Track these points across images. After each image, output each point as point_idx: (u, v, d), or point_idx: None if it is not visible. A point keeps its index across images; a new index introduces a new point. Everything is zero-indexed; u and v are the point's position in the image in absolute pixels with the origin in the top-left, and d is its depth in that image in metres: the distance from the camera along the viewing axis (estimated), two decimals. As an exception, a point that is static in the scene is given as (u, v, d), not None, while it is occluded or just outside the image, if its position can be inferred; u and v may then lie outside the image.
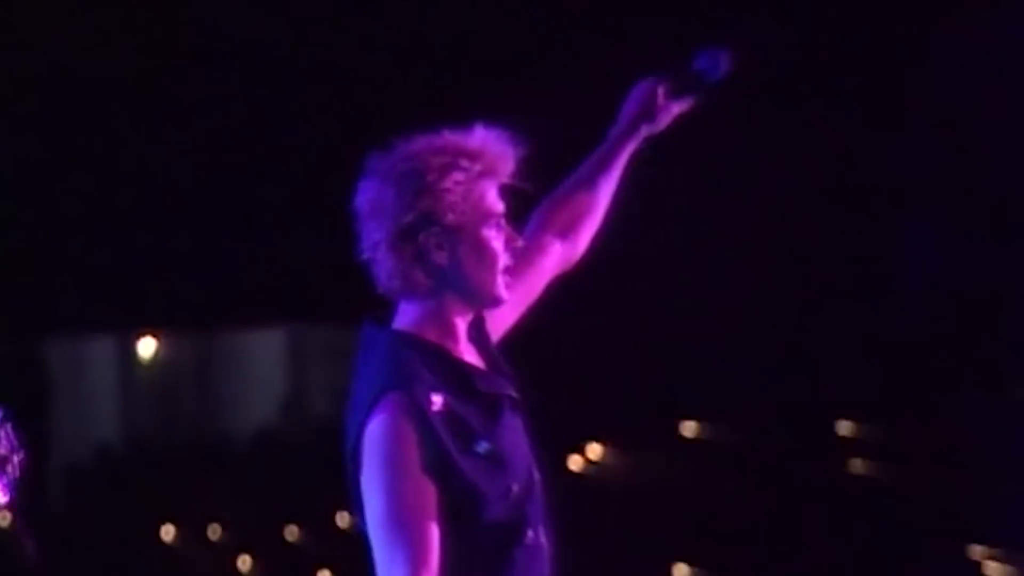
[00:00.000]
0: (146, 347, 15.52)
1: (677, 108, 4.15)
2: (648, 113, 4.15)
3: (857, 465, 12.38)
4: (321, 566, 12.58)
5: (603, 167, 4.12)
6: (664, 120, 4.16)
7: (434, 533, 3.43)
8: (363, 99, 13.78)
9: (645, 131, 4.16)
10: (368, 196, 3.60)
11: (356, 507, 3.60)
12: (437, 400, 3.48)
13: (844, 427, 12.69)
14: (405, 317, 3.60)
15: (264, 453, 14.41)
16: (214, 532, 13.26)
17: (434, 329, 3.59)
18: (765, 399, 12.47)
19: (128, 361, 15.63)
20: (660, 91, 4.11)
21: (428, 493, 3.45)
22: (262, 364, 15.69)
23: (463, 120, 3.78)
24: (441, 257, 3.56)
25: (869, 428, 12.64)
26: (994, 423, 12.01)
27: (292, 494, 13.18)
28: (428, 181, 3.56)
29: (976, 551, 10.95)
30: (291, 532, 13.25)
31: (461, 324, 3.63)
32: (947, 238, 12.75)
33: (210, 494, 13.58)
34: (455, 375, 3.56)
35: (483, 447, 3.56)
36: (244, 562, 13.13)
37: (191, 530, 13.35)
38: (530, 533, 3.62)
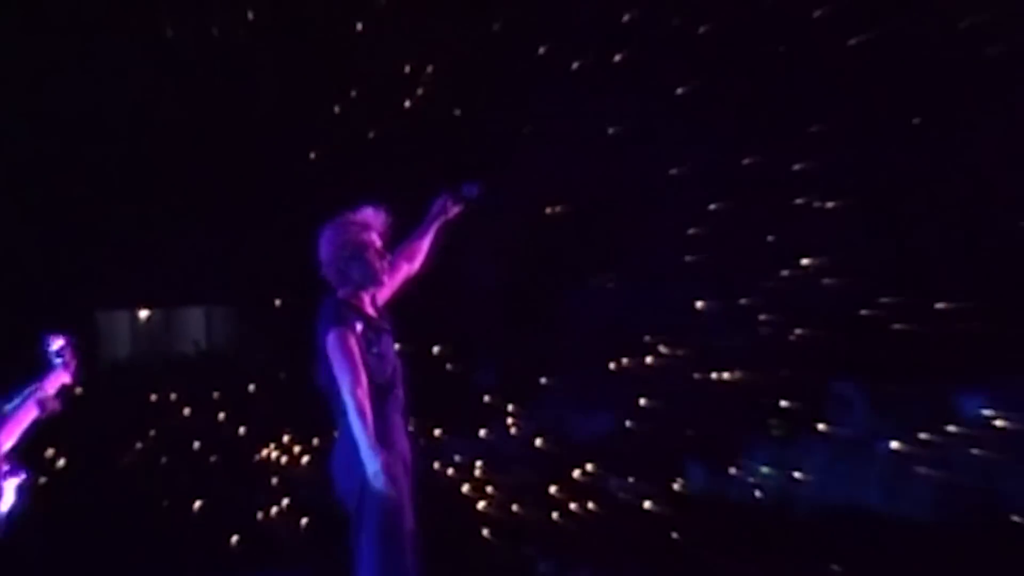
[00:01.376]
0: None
1: (456, 209, 8.77)
2: (442, 211, 8.81)
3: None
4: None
5: (422, 235, 8.80)
6: (451, 214, 8.80)
7: (363, 376, 7.98)
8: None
9: (441, 220, 8.81)
10: (325, 243, 8.31)
11: (319, 374, 8.21)
12: (358, 328, 8.09)
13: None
14: (341, 294, 8.27)
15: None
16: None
17: (354, 298, 8.28)
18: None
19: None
20: (449, 201, 8.77)
21: (359, 364, 8.01)
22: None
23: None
24: (355, 268, 8.26)
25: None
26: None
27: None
28: (349, 238, 8.28)
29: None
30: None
31: (366, 296, 8.34)
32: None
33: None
34: (364, 318, 8.25)
35: (375, 350, 8.21)
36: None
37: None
38: (397, 391, 8.35)
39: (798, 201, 15.89)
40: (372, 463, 8.10)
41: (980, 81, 16.60)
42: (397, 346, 8.66)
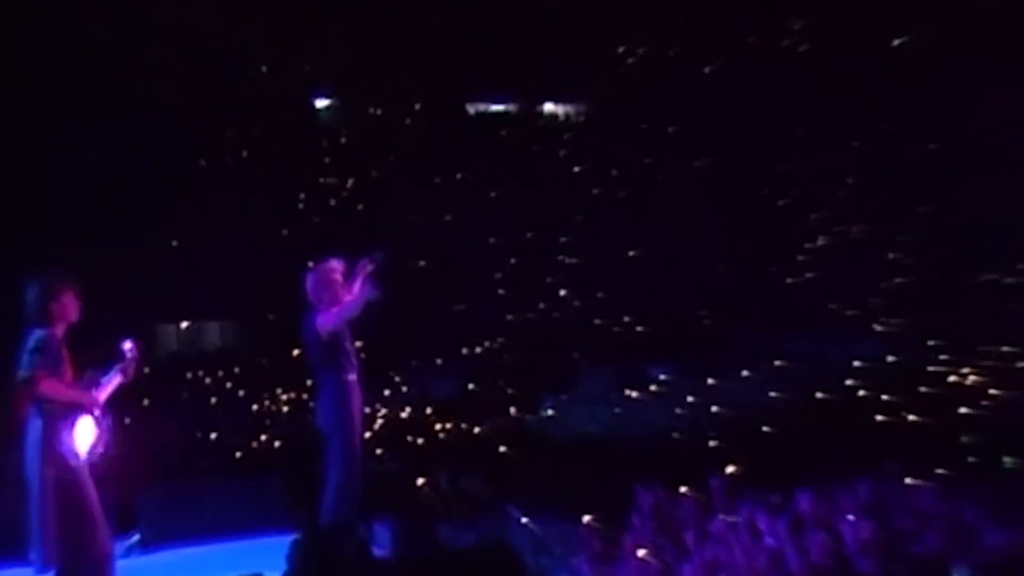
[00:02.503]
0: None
1: (371, 267, 12.57)
2: (365, 266, 12.52)
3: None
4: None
5: (354, 280, 12.51)
6: (369, 268, 12.52)
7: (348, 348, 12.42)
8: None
9: (365, 271, 12.53)
10: (311, 282, 12.48)
11: (312, 352, 12.40)
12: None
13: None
14: (319, 309, 12.42)
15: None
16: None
17: (335, 311, 12.28)
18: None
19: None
20: (369, 260, 12.57)
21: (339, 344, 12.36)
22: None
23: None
24: (328, 295, 12.38)
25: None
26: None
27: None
28: (326, 278, 12.47)
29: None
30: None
31: (333, 309, 12.26)
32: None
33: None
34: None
35: (345, 343, 12.36)
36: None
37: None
38: (355, 364, 12.44)
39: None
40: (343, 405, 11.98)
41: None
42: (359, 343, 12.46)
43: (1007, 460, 14.11)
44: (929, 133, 21.97)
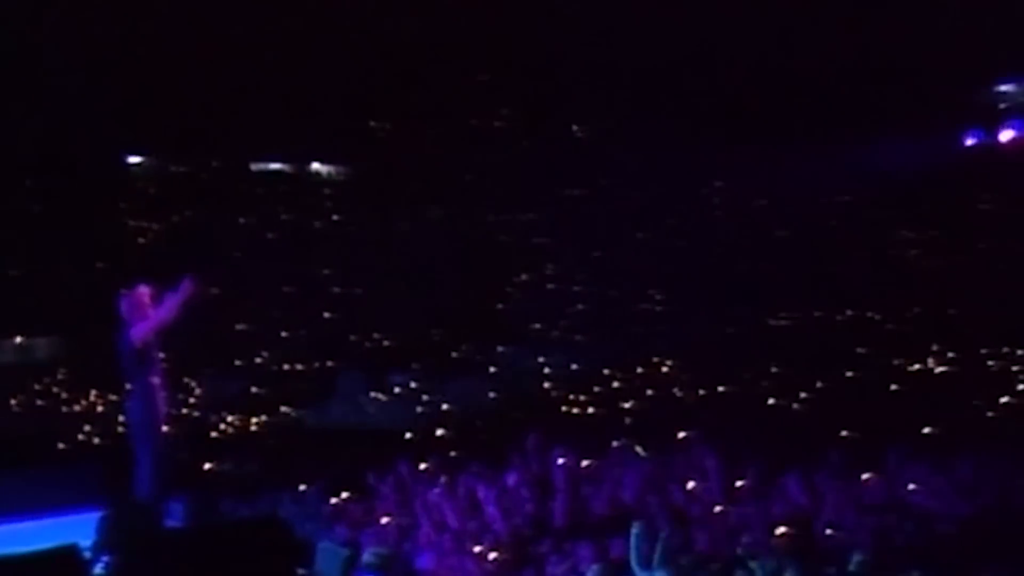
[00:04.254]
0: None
1: (192, 288, 11.69)
2: (186, 289, 11.68)
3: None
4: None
5: (173, 298, 11.77)
6: (189, 292, 11.69)
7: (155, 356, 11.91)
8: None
9: (184, 294, 11.70)
10: (124, 303, 11.87)
11: (124, 359, 11.81)
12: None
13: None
14: (134, 324, 11.81)
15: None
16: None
17: (145, 326, 11.75)
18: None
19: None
20: (186, 283, 11.68)
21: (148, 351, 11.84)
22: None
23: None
24: (138, 314, 11.75)
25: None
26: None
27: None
28: (137, 300, 11.89)
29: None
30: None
31: (143, 324, 11.79)
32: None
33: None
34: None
35: (155, 352, 11.92)
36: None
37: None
38: (158, 378, 11.94)
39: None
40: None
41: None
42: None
43: (639, 449, 14.72)
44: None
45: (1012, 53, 20.44)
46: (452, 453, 14.96)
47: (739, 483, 13.01)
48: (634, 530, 10.35)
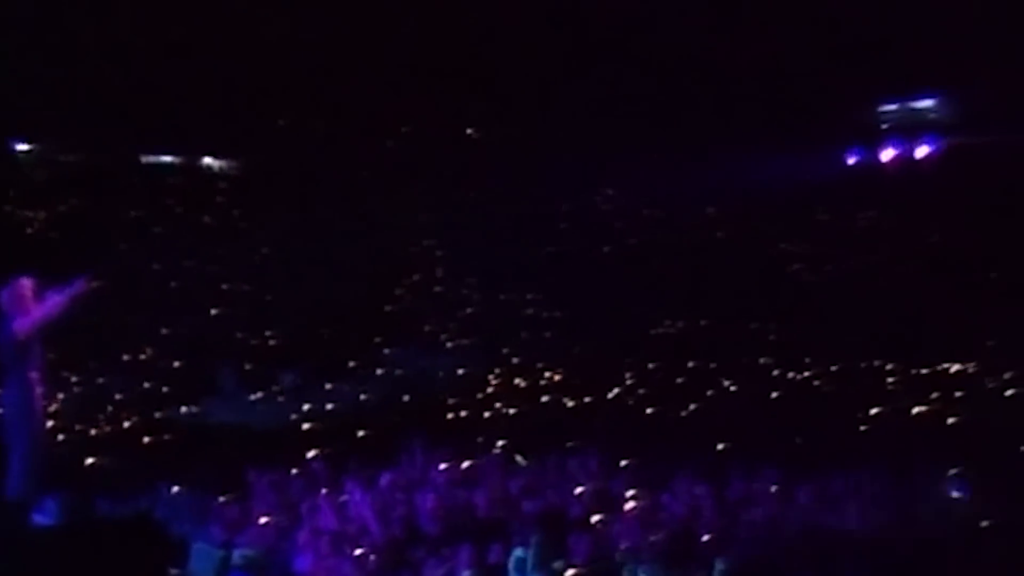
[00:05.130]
0: None
1: (84, 286, 11.49)
2: (78, 286, 11.49)
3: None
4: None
5: (61, 295, 11.62)
6: (82, 288, 11.51)
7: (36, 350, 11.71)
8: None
9: (77, 289, 11.53)
10: (5, 296, 11.72)
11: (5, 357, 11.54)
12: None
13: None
14: (15, 317, 11.58)
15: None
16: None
17: (30, 318, 11.53)
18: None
19: None
20: (81, 280, 11.56)
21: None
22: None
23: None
24: (20, 307, 11.57)
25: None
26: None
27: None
28: (18, 293, 11.75)
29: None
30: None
31: (25, 319, 11.60)
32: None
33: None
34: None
35: (37, 346, 11.67)
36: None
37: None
38: (37, 373, 11.72)
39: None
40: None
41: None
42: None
43: (518, 456, 14.79)
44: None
45: (894, 75, 20.89)
46: (333, 454, 14.79)
47: (619, 490, 13.09)
48: (516, 538, 10.43)
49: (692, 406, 18.46)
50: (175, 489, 13.30)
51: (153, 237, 23.72)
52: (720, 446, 15.32)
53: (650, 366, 20.58)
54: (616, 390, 19.58)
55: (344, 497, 13.08)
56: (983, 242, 22.51)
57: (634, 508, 12.38)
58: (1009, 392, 18.37)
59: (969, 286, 21.52)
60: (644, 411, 18.48)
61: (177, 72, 24.33)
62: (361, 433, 16.96)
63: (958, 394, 18.23)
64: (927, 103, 22.86)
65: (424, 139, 24.69)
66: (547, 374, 20.49)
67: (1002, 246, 21.84)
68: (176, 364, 20.68)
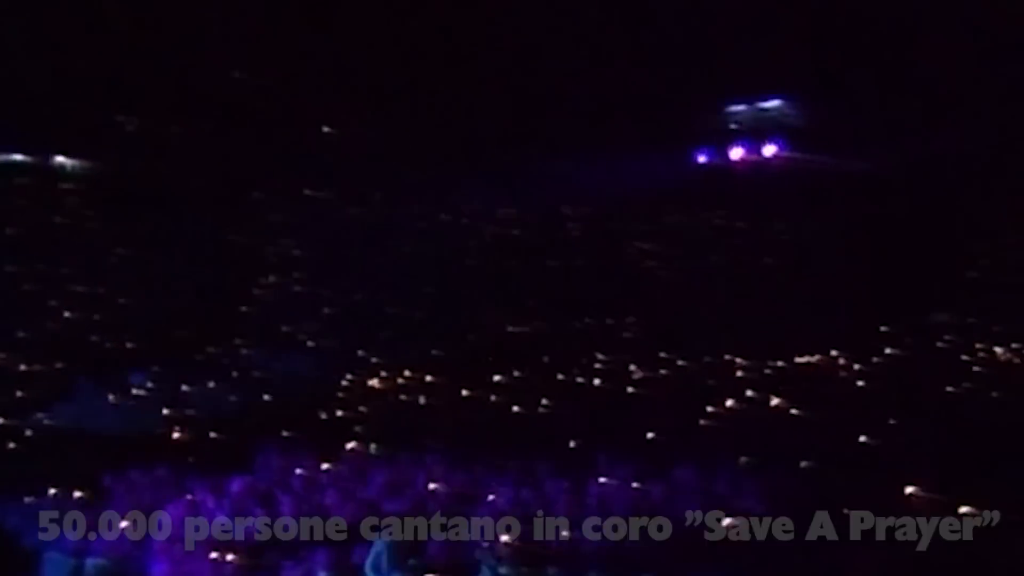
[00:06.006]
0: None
1: None
2: None
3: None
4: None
5: None
6: None
7: None
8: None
9: None
10: None
11: None
12: None
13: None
14: None
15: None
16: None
17: None
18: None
19: None
20: None
21: None
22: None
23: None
24: None
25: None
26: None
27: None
28: None
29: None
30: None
31: None
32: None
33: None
34: None
35: None
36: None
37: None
38: None
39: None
40: None
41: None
42: None
43: (373, 446, 14.90)
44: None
45: (743, 78, 21.34)
46: (188, 458, 14.59)
47: (476, 488, 13.19)
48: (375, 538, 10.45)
49: (548, 403, 18.66)
50: (27, 497, 13.07)
51: (3, 238, 23.08)
52: (575, 443, 15.42)
53: (507, 364, 20.73)
54: (473, 389, 19.68)
55: (199, 500, 12.93)
56: (831, 238, 23.21)
57: (491, 506, 12.46)
58: (860, 384, 19.04)
59: (817, 282, 22.02)
60: (501, 409, 18.65)
61: (28, 69, 23.48)
62: (217, 435, 16.91)
63: (807, 387, 18.70)
64: (774, 103, 23.28)
65: (280, 139, 24.42)
66: (405, 374, 20.43)
67: (849, 243, 22.60)
68: (30, 367, 20.41)
